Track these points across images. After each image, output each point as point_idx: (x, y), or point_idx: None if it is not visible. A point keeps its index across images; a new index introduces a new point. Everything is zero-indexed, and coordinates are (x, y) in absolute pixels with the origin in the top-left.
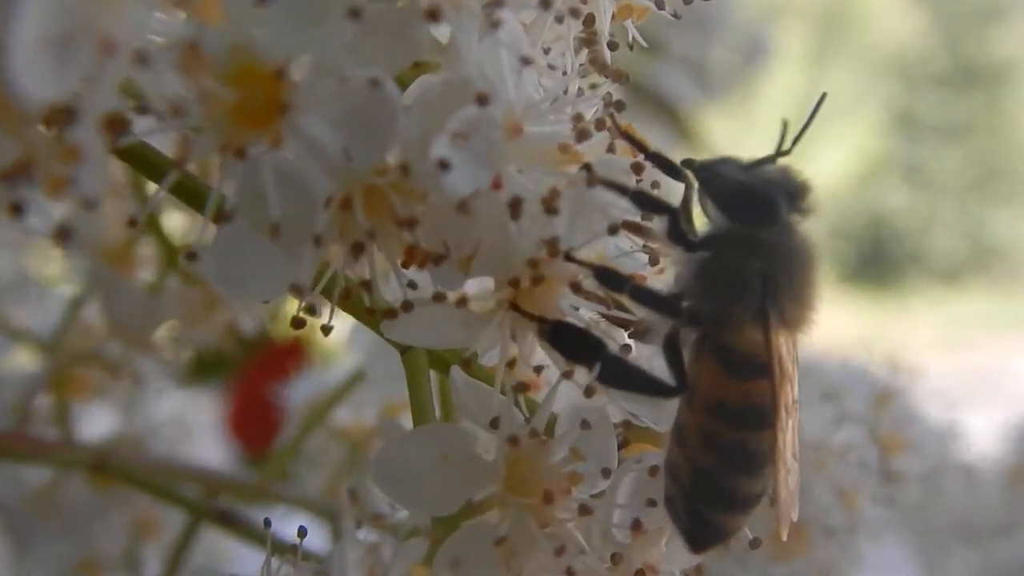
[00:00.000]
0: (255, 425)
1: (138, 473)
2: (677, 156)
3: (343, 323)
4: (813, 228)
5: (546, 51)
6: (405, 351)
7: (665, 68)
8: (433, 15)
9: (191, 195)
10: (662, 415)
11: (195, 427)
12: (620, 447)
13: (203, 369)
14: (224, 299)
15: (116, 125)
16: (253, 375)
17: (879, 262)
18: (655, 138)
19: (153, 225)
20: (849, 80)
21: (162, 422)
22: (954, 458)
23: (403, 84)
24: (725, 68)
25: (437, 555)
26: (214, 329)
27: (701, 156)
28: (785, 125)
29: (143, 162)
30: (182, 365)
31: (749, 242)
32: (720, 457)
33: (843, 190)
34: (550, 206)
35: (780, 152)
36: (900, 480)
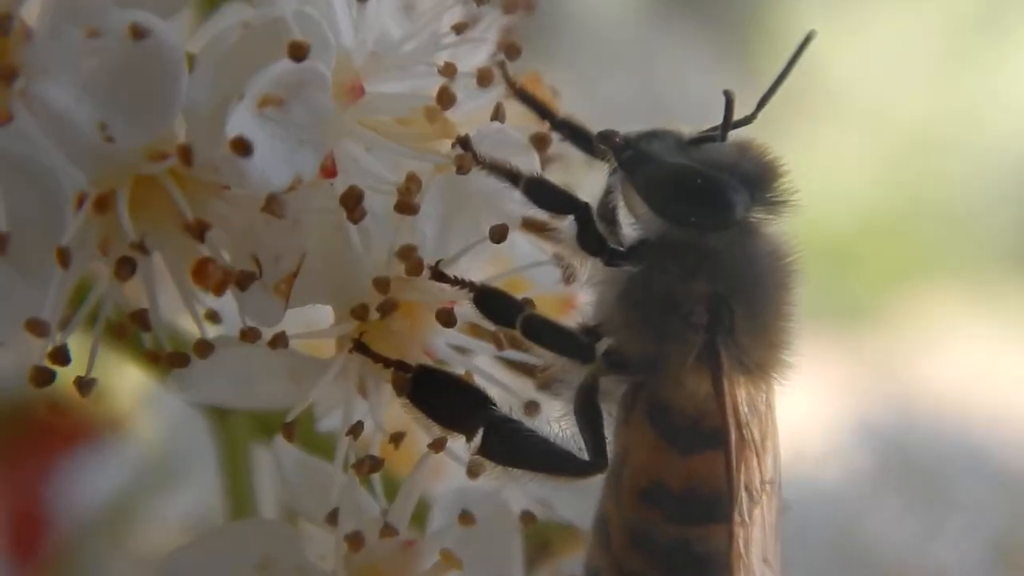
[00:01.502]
0: (14, 532)
1: None
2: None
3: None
4: (789, 227)
5: None
6: (215, 414)
7: None
8: None
9: None
10: (586, 503)
11: None
12: (537, 552)
13: None
14: None
15: None
16: (8, 463)
17: None
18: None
19: None
20: None
21: None
22: None
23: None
24: None
25: None
26: None
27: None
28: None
29: None
30: None
31: (691, 253)
32: (656, 562)
33: None
34: (407, 201)
35: (738, 121)
36: None
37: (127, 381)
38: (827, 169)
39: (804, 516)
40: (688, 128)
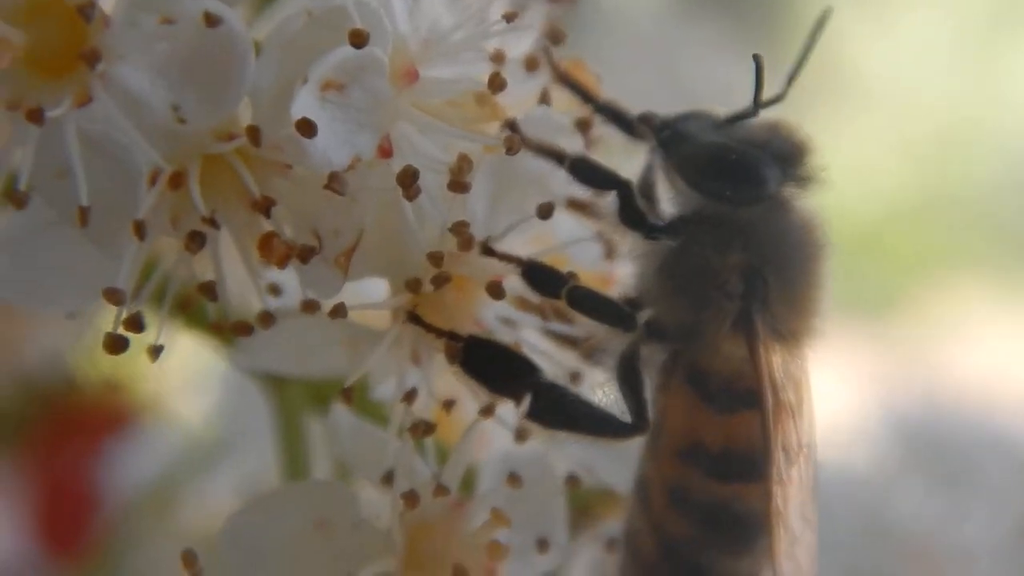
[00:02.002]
0: (59, 513)
1: None
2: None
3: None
4: (818, 203)
5: None
6: (271, 384)
7: None
8: None
9: None
10: (627, 469)
11: None
12: (580, 517)
13: None
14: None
15: None
16: (55, 444)
17: None
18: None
19: None
20: None
21: None
22: None
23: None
24: None
25: None
26: None
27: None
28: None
29: None
30: None
31: (726, 226)
32: (696, 522)
33: None
34: (459, 180)
35: (768, 100)
36: None
37: (173, 363)
38: (853, 159)
39: (832, 498)
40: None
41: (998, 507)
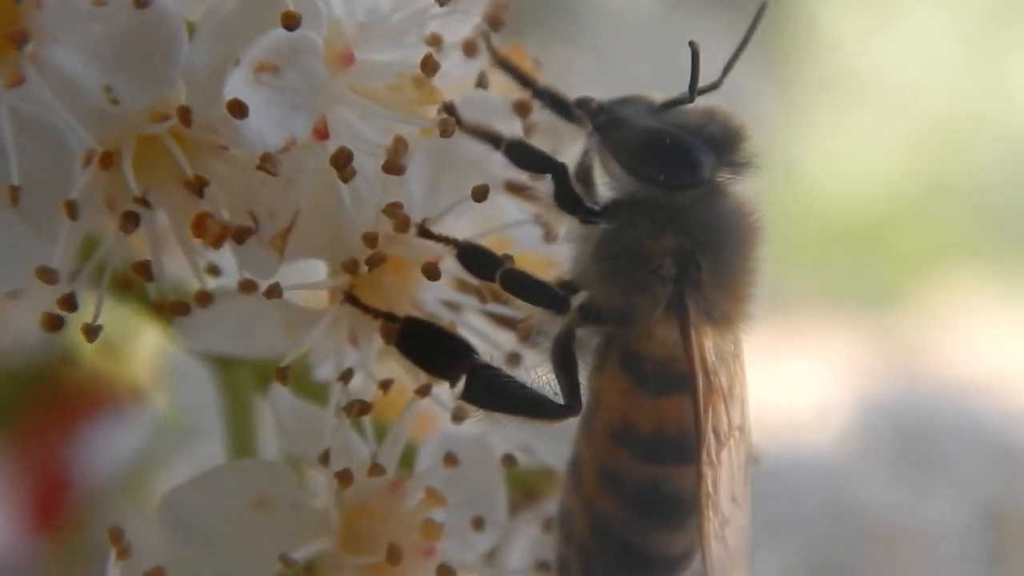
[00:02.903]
0: (36, 494)
1: None
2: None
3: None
4: (753, 189)
5: None
6: (219, 365)
7: None
8: None
9: None
10: (566, 448)
11: None
12: (523, 498)
13: None
14: None
15: None
16: (34, 425)
17: None
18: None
19: None
20: None
21: None
22: None
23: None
24: None
25: None
26: None
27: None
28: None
29: None
30: None
31: (660, 210)
32: (627, 502)
33: None
34: (394, 162)
35: (704, 87)
36: None
37: (145, 349)
38: (854, 154)
39: (800, 482)
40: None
41: (962, 493)
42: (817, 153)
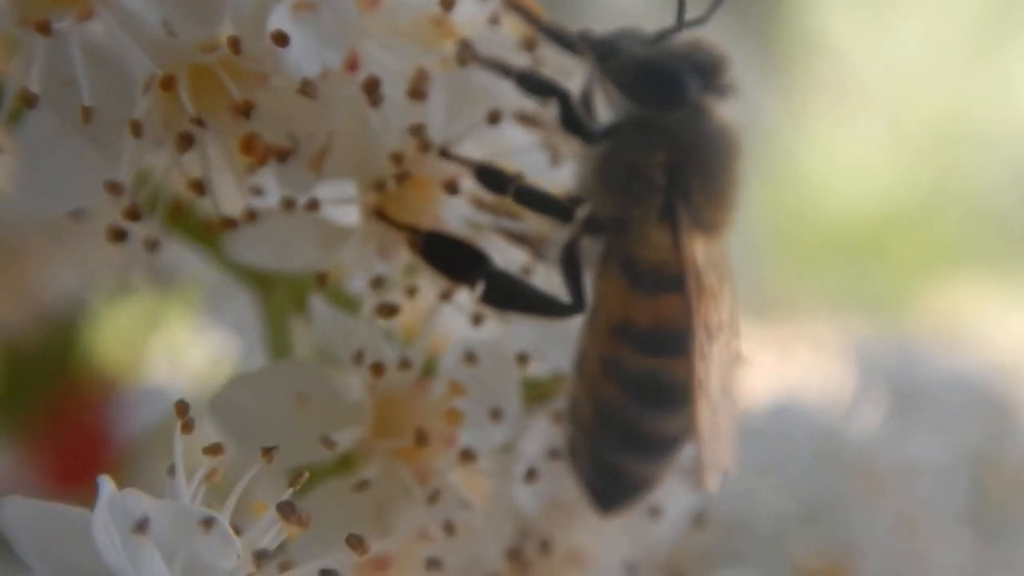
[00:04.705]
0: (72, 451)
1: None
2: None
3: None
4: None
5: None
6: (259, 287)
7: None
8: None
9: None
10: (569, 351)
11: None
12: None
13: None
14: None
15: None
16: (72, 386)
17: None
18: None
19: None
20: None
21: None
22: None
23: None
24: None
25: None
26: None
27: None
28: None
29: None
30: None
31: (652, 129)
32: (627, 390)
33: None
34: (417, 89)
35: (691, 20)
36: None
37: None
38: (852, 161)
39: (789, 423)
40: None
41: (945, 433)
42: (818, 159)
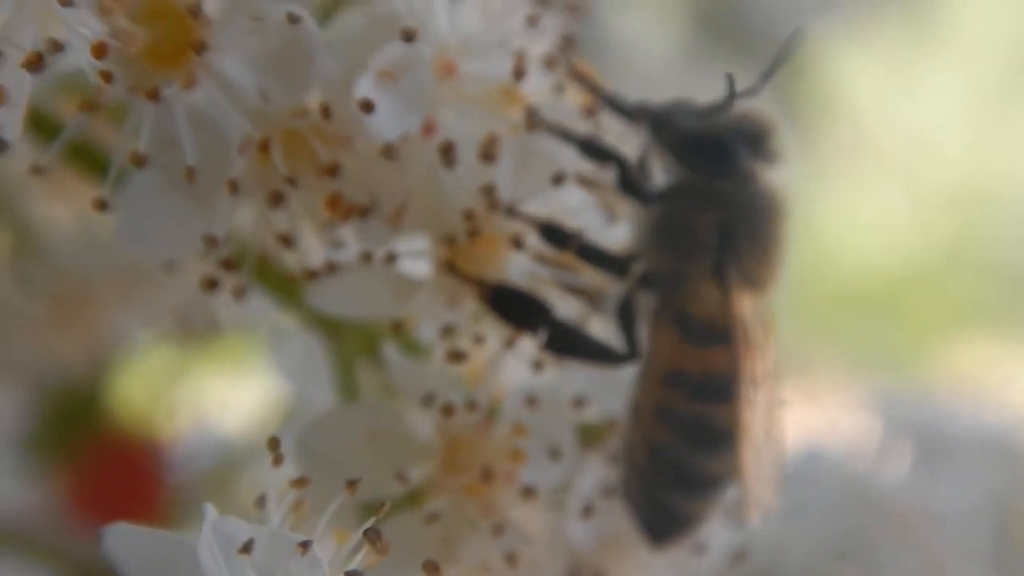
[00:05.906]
0: (126, 489)
1: None
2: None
3: None
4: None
5: None
6: (329, 333)
7: None
8: None
9: (85, 155)
10: (622, 397)
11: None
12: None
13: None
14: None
15: (33, 64)
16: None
17: None
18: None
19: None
20: None
21: None
22: None
23: (325, 19)
24: None
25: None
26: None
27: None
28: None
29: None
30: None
31: (705, 194)
32: (679, 433)
33: None
34: (488, 153)
35: (742, 92)
36: None
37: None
38: (870, 220)
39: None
40: None
41: (969, 481)
42: (834, 217)
